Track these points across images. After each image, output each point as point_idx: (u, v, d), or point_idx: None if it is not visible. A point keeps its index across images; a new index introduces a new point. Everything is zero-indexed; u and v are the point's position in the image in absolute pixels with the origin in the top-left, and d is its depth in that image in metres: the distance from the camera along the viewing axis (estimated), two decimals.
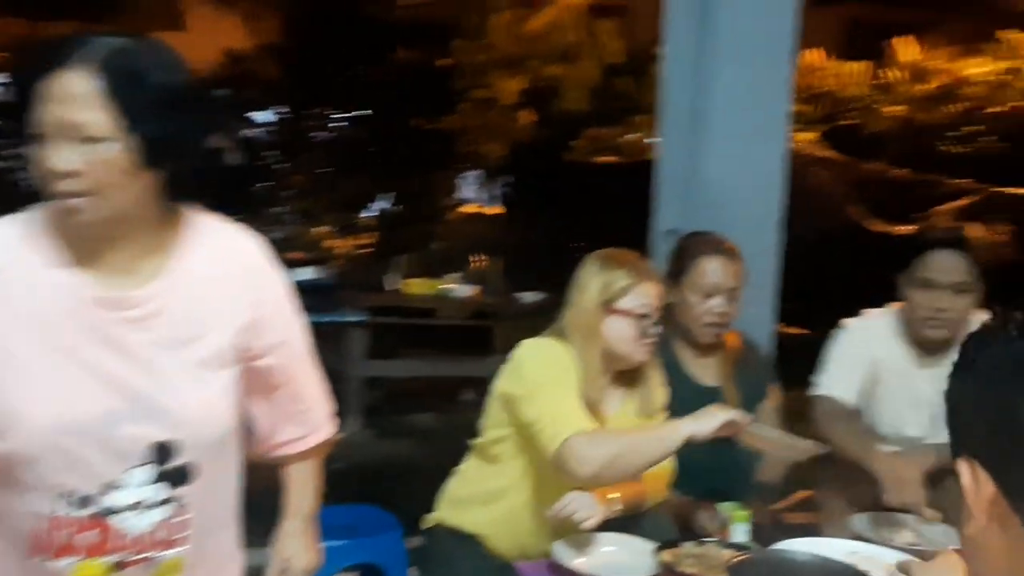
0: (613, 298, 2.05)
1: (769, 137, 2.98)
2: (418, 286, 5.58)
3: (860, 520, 2.19)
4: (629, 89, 9.14)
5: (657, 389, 2.18)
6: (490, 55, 9.36)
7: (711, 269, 2.37)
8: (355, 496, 3.12)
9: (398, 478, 4.35)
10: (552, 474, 1.94)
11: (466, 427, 2.26)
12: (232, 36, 9.36)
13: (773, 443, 2.05)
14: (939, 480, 2.17)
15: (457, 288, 5.59)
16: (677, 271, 2.42)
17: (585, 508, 1.89)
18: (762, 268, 2.90)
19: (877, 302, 2.57)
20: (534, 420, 1.95)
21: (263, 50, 9.40)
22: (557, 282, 2.30)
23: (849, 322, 2.59)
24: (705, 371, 2.46)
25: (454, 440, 2.35)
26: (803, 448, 2.00)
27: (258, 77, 9.21)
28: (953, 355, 0.82)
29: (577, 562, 1.89)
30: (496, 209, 9.68)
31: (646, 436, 1.95)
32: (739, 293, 2.42)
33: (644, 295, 2.06)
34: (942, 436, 2.52)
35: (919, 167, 6.87)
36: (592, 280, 2.09)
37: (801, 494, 2.65)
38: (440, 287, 5.58)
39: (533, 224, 7.82)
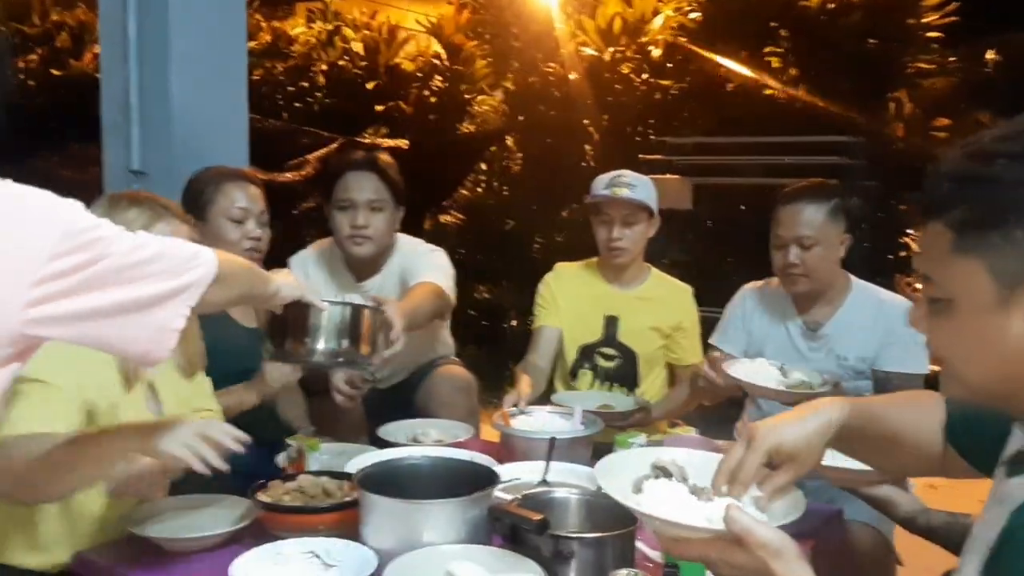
0: None
1: (231, 72, 2.89)
2: None
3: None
4: None
5: (197, 343, 2.01)
6: None
7: (239, 195, 2.27)
8: None
9: None
10: None
11: None
12: None
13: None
14: None
15: None
16: (201, 205, 2.25)
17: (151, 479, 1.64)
18: None
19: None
20: None
21: None
22: None
23: (294, 261, 2.61)
24: (246, 312, 2.36)
25: None
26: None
27: None
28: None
29: None
30: None
31: None
32: (267, 218, 2.33)
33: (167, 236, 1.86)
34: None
35: (282, 119, 7.19)
36: None
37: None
38: None
39: None
